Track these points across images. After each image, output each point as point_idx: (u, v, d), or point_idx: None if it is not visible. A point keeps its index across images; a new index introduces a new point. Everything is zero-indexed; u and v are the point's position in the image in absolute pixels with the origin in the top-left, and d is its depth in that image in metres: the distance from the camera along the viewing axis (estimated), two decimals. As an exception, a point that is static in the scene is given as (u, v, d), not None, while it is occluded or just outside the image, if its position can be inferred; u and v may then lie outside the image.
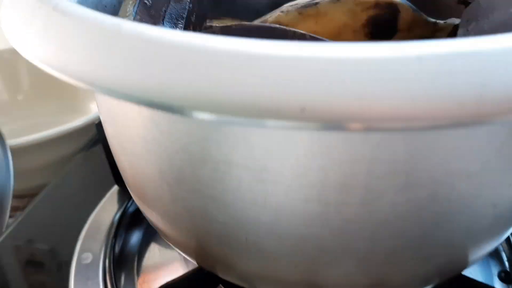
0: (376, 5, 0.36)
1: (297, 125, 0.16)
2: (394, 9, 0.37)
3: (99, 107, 0.28)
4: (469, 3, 0.35)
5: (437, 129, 0.17)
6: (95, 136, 0.53)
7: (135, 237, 0.41)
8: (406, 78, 0.15)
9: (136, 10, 0.30)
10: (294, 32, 0.30)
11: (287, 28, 0.30)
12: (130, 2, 0.31)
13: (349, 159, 0.20)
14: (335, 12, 0.36)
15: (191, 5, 0.33)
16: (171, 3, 0.32)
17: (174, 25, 0.32)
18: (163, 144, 0.23)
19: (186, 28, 0.32)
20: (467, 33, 0.32)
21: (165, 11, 0.32)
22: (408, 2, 0.37)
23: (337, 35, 0.37)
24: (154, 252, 0.40)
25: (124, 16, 0.31)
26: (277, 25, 0.31)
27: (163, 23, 0.31)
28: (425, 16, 0.38)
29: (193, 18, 0.34)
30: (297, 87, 0.15)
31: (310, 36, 0.29)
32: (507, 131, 0.21)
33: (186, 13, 0.33)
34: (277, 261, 0.25)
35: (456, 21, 0.38)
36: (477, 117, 0.15)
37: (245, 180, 0.22)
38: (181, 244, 0.30)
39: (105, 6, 0.33)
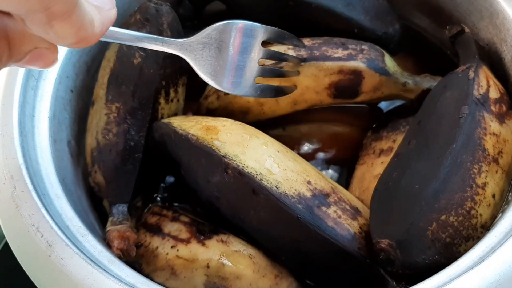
0: (340, 71, 0.37)
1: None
2: (358, 76, 0.38)
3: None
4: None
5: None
6: None
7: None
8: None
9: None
10: (227, 164, 0.32)
11: (223, 157, 0.33)
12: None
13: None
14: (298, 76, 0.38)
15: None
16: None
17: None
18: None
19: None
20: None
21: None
22: (378, 65, 0.38)
23: (300, 95, 0.38)
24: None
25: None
26: (217, 152, 0.33)
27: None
28: (395, 76, 0.39)
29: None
30: None
31: (240, 171, 0.32)
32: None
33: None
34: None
35: (425, 84, 0.39)
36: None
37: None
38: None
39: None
